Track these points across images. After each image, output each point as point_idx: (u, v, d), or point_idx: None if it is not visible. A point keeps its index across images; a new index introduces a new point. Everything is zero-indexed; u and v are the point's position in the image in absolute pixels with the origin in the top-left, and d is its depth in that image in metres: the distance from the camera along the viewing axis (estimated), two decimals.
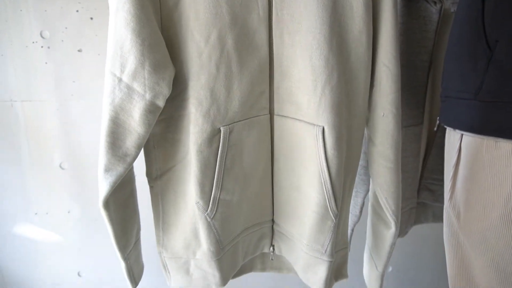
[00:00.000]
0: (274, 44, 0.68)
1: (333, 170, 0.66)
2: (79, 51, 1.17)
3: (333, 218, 0.70)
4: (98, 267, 1.40)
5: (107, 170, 0.62)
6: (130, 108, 0.61)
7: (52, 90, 1.20)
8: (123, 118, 0.61)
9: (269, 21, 0.66)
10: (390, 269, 1.48)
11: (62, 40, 1.15)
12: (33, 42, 1.15)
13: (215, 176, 0.67)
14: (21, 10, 1.12)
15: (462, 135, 0.74)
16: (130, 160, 0.63)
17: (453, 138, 0.78)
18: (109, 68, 0.60)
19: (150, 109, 0.61)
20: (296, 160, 0.72)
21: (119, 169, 0.63)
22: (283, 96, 0.71)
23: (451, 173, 0.77)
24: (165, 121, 0.68)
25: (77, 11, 1.14)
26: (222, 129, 0.65)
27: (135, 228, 0.77)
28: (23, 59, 1.16)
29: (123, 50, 0.58)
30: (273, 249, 0.83)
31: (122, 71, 0.59)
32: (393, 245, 0.76)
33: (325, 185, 0.67)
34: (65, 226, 1.34)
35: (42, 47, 1.15)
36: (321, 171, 0.67)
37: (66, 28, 1.14)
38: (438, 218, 1.05)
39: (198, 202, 0.68)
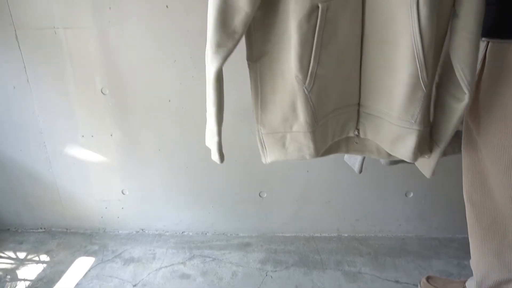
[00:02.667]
0: None
1: (426, 40, 0.70)
2: None
3: (424, 88, 0.75)
4: (140, 186, 1.54)
5: (219, 45, 0.73)
6: None
7: (90, 17, 1.26)
8: None
9: None
10: (411, 194, 1.55)
11: None
12: None
13: (313, 50, 0.74)
14: None
15: (488, 43, 0.75)
16: (238, 37, 0.73)
17: None
18: None
19: None
20: (386, 38, 0.76)
21: (229, 45, 0.73)
22: None
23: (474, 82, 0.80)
24: (265, 7, 0.75)
25: None
26: (320, 5, 0.71)
27: (223, 111, 0.87)
28: None
29: None
30: (358, 132, 0.91)
31: None
32: (461, 118, 0.80)
33: (417, 56, 0.71)
34: (109, 148, 1.47)
35: None
36: (414, 42, 0.70)
37: None
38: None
39: (297, 75, 0.76)
